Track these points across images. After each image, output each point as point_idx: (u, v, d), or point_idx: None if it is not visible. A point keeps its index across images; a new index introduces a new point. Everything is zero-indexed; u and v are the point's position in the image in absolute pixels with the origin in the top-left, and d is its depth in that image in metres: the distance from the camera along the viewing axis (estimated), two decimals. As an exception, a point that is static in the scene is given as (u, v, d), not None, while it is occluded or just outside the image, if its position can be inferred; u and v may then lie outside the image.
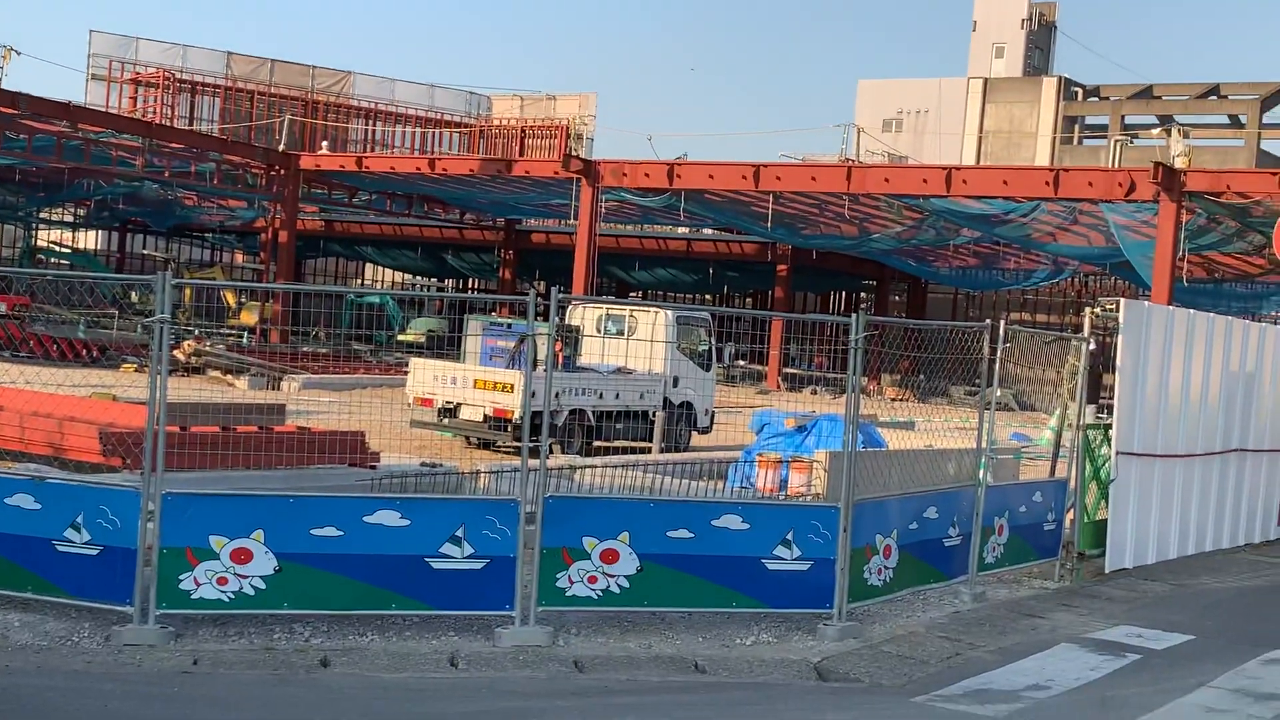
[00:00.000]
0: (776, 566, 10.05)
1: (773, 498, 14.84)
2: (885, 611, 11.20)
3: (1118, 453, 14.17)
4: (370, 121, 66.44)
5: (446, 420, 21.25)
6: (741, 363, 45.71)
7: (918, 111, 75.22)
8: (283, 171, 45.11)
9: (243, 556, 8.81)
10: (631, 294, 58.87)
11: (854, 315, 10.65)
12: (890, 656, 9.89)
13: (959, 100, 73.93)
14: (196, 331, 37.74)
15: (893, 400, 34.42)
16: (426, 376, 21.59)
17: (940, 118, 73.75)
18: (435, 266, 62.31)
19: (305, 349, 37.62)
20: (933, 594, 11.97)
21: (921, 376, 18.95)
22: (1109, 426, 14.41)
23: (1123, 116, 69.93)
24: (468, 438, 21.37)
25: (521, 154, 60.53)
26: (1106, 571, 14.07)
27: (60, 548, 8.77)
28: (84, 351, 31.49)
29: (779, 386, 44.01)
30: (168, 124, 53.27)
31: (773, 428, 18.18)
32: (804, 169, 38.14)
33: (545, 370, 9.96)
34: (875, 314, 40.83)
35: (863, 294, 58.76)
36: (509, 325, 23.57)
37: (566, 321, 22.69)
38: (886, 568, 10.94)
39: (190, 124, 60.13)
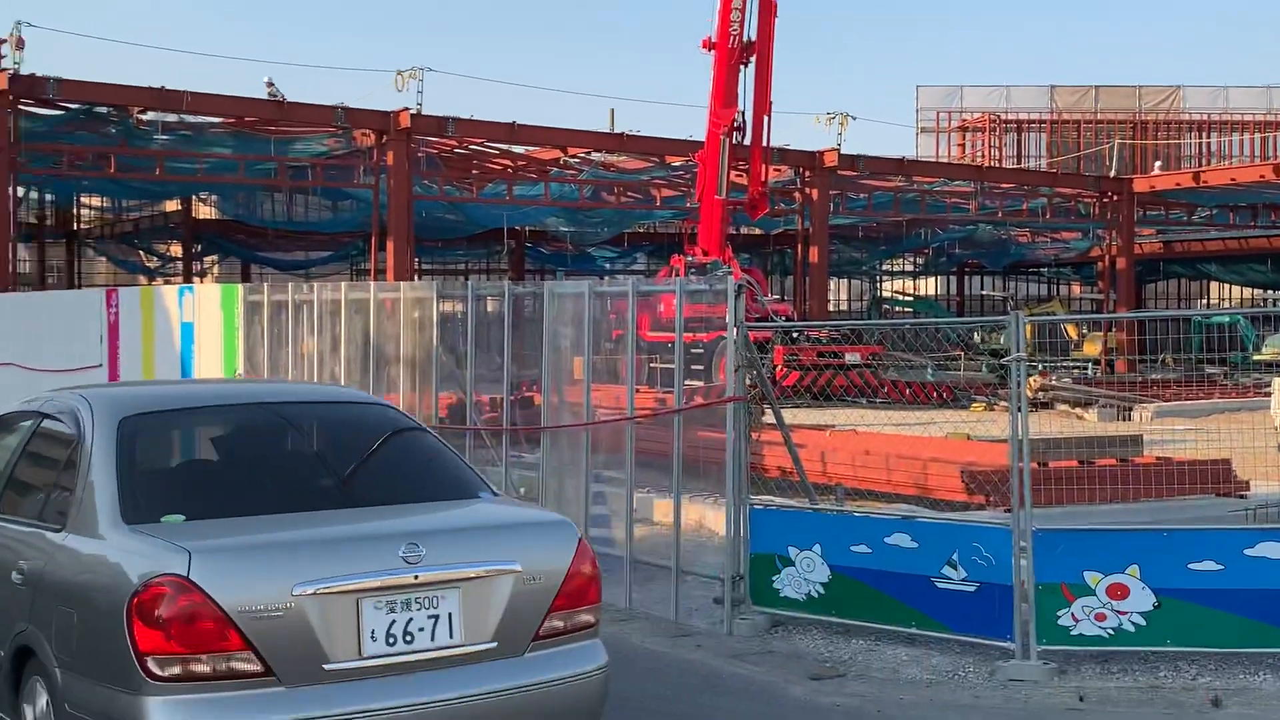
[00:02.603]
0: None
1: None
2: None
3: None
4: (1204, 134, 63.50)
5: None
6: None
7: None
8: (1115, 197, 44.41)
9: (1119, 592, 8.60)
10: None
11: None
12: None
13: None
14: (1041, 367, 37.99)
15: None
16: (1294, 397, 20.04)
17: None
18: (1288, 278, 57.93)
19: (1154, 376, 36.49)
20: None
21: None
22: None
23: None
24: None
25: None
26: None
27: (939, 584, 9.09)
28: (934, 393, 32.75)
29: None
30: (996, 165, 54.52)
31: None
32: None
33: None
34: None
35: None
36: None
37: None
38: None
39: (1018, 162, 61.06)
